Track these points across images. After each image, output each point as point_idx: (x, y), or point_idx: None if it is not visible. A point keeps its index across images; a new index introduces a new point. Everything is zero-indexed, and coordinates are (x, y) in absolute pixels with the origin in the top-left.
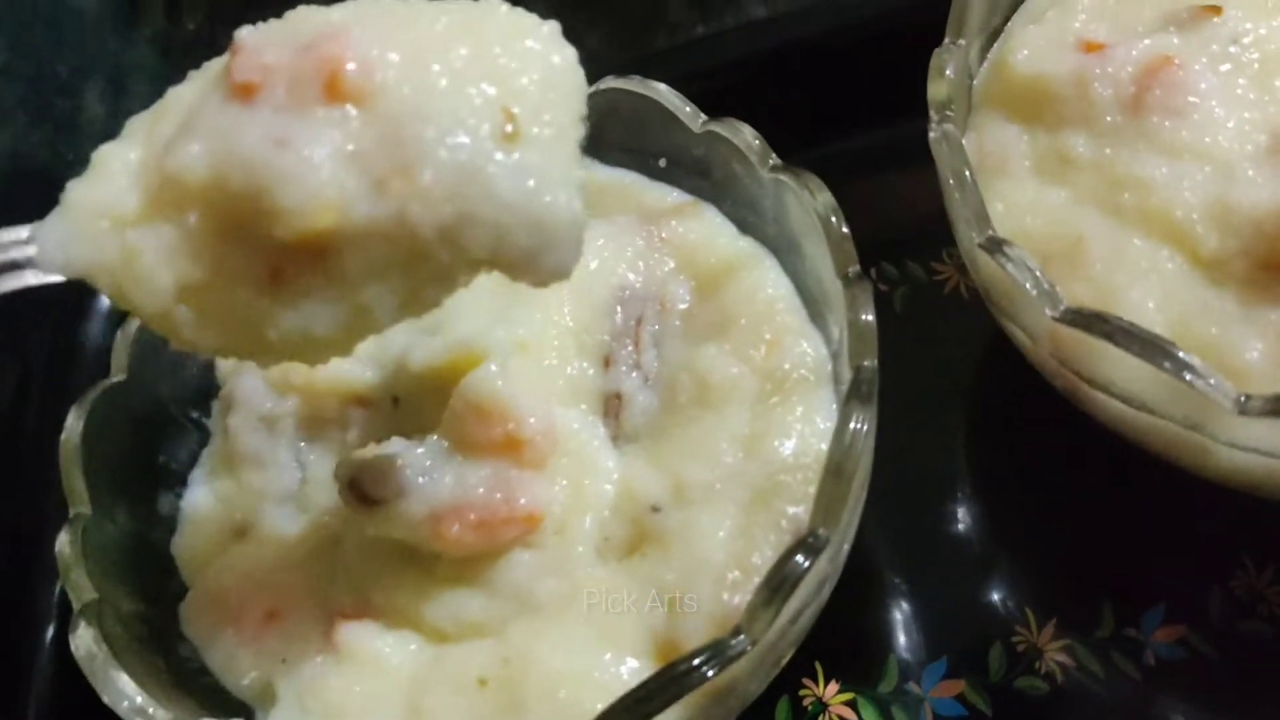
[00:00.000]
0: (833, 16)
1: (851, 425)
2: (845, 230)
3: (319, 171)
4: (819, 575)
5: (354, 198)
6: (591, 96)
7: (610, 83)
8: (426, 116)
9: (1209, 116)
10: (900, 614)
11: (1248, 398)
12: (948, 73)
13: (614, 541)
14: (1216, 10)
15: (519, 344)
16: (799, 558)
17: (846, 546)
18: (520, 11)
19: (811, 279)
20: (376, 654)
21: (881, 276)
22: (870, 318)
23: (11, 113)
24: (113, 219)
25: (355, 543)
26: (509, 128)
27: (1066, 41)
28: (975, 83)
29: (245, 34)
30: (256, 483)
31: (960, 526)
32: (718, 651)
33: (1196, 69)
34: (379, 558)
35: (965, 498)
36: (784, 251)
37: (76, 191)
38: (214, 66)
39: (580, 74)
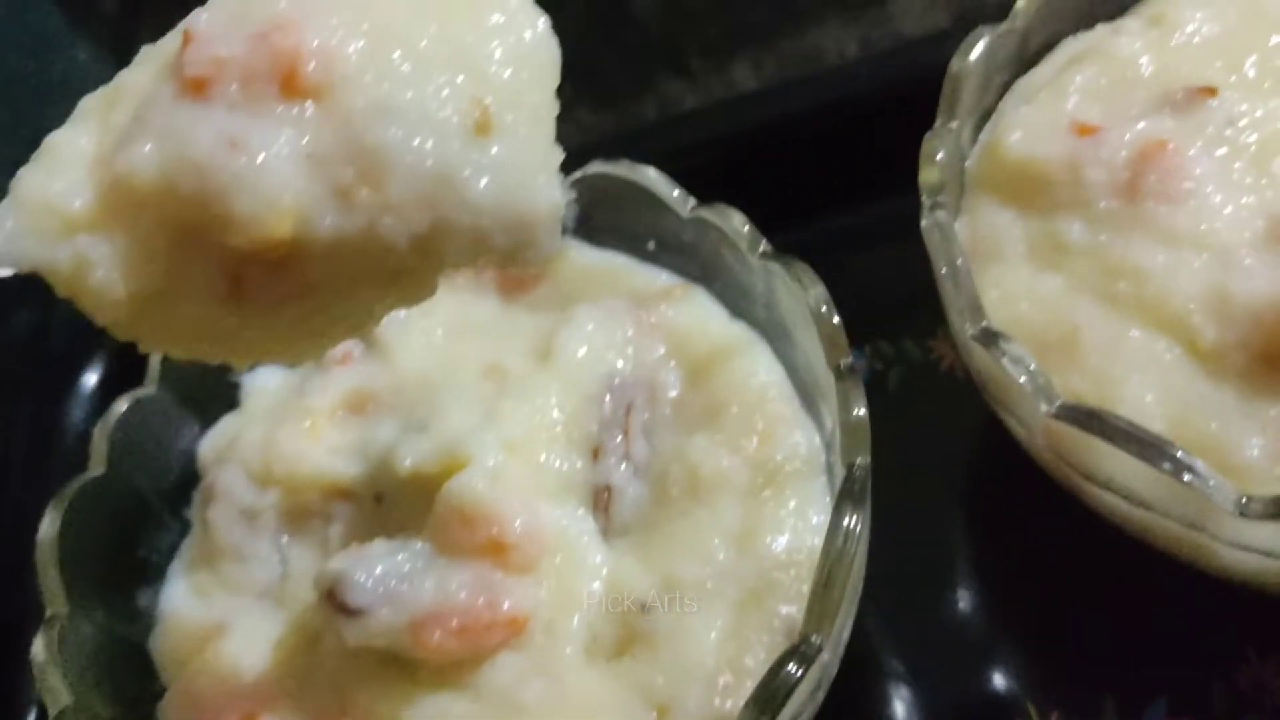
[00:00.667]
0: (825, 90)
1: (844, 525)
2: (837, 321)
3: (274, 175)
4: (813, 682)
5: (316, 207)
6: (580, 180)
7: (598, 167)
8: (391, 113)
9: (1206, 202)
10: (899, 706)
11: (1249, 500)
12: (939, 157)
13: (603, 642)
14: (1212, 91)
15: (506, 445)
16: (791, 667)
17: (843, 642)
18: None
19: (803, 366)
20: None
21: (877, 355)
22: (863, 413)
23: (5, 178)
24: (63, 219)
25: (335, 644)
26: (480, 116)
27: (1060, 124)
28: (968, 164)
29: (197, 21)
30: (236, 577)
31: (959, 615)
32: None
33: (1192, 153)
34: (360, 660)
35: (964, 585)
36: (775, 337)
37: (27, 182)
38: (167, 49)
39: (553, 44)
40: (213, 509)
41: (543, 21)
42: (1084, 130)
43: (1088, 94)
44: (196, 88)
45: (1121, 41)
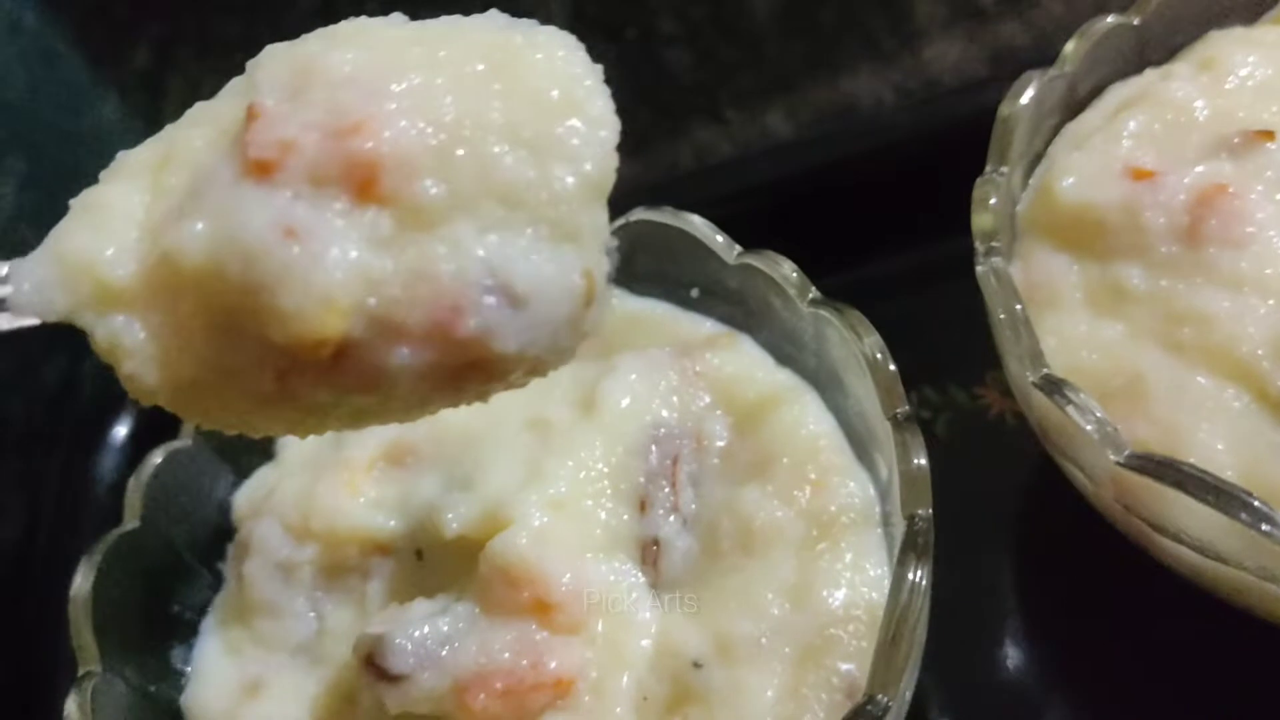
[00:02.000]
0: (866, 137)
1: (909, 579)
2: (893, 369)
3: (330, 273)
4: None
5: (380, 332)
6: (622, 227)
7: (641, 214)
8: (491, 269)
9: (1269, 246)
10: None
11: None
12: (992, 202)
13: (654, 701)
14: (1269, 135)
15: (552, 503)
16: None
17: (907, 701)
18: (554, 53)
19: (855, 414)
20: None
21: (923, 402)
22: (923, 462)
23: (30, 231)
24: (104, 288)
25: (373, 705)
26: (587, 288)
27: (1114, 169)
28: (1019, 208)
29: (265, 99)
30: (271, 633)
31: (1015, 670)
32: None
33: (1253, 197)
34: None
35: (1019, 638)
36: (825, 385)
37: (73, 237)
38: (224, 115)
39: (617, 127)
40: (248, 563)
41: (610, 110)
42: (1139, 175)
43: (1141, 139)
44: (261, 170)
45: (1174, 86)
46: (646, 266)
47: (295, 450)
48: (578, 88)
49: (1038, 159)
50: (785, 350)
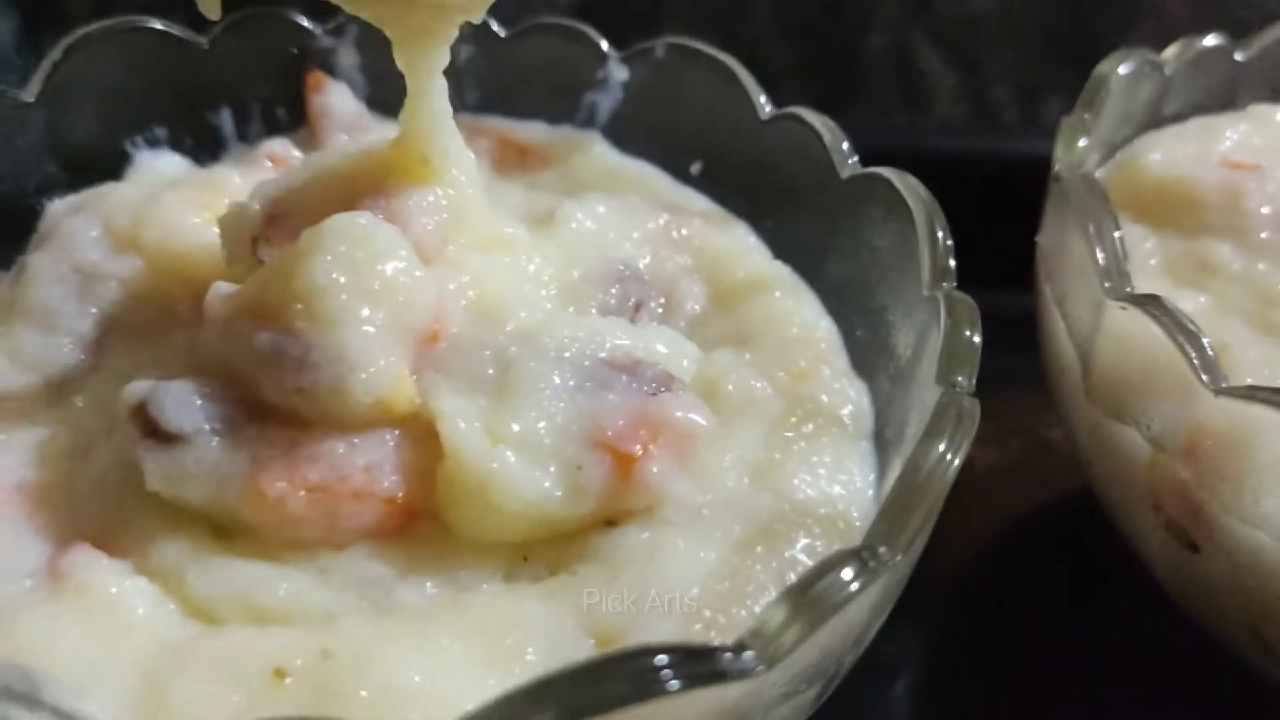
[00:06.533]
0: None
1: (944, 440)
2: (950, 243)
3: None
4: (869, 608)
5: None
6: (641, 53)
7: (673, 39)
8: None
9: None
10: None
11: None
12: (1081, 143)
13: (535, 561)
14: None
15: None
16: (847, 573)
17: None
18: None
19: (874, 310)
20: (116, 601)
21: None
22: (977, 339)
23: None
24: None
25: (110, 467)
26: None
27: (1210, 158)
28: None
29: None
30: (27, 347)
31: None
32: (698, 656)
33: None
34: (141, 491)
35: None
36: (834, 286)
37: None
38: None
39: None
40: (41, 254)
41: None
42: (1238, 166)
43: (1241, 145)
44: None
45: (1276, 111)
46: (648, 119)
47: (146, 179)
48: None
49: (1114, 151)
50: (790, 245)
